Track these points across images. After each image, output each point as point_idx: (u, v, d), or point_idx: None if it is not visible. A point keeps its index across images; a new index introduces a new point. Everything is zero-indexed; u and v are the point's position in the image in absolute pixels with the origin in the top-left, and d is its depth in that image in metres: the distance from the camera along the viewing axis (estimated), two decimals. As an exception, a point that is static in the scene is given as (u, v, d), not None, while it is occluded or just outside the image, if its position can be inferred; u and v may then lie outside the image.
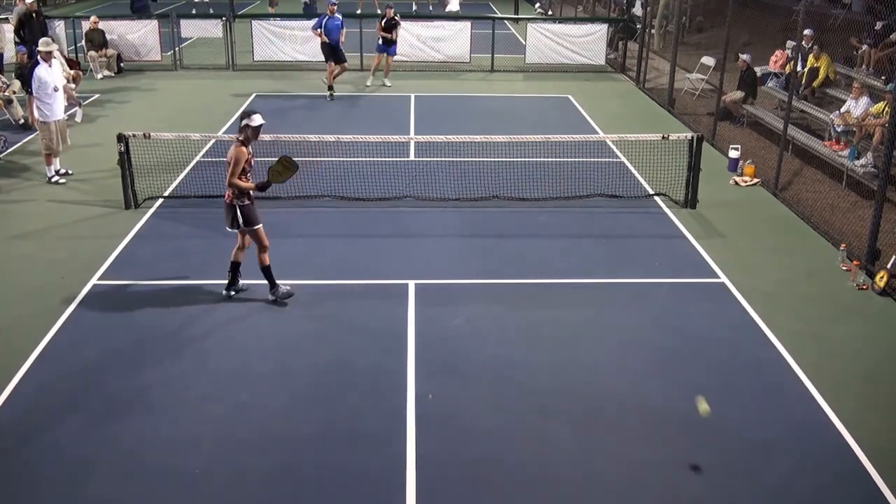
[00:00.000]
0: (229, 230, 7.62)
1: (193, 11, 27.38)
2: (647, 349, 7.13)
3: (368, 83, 17.32)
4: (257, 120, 7.36)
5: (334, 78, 16.38)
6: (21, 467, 5.54)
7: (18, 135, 13.31)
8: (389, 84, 17.31)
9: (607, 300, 7.98)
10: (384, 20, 17.06)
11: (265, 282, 7.76)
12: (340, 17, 16.43)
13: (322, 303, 7.87)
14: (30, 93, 10.70)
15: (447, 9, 23.93)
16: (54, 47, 11.25)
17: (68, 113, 12.28)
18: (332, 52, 16.29)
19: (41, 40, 11.30)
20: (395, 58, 17.63)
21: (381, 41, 17.18)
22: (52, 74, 10.88)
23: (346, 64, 16.51)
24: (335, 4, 16.24)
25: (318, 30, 16.27)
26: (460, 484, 5.46)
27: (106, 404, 6.23)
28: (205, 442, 5.82)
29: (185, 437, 5.87)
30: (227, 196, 7.48)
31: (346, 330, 7.39)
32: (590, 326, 7.49)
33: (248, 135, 7.38)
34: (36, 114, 10.82)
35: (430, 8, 30.75)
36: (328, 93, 16.30)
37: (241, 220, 7.48)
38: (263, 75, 18.58)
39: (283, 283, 7.86)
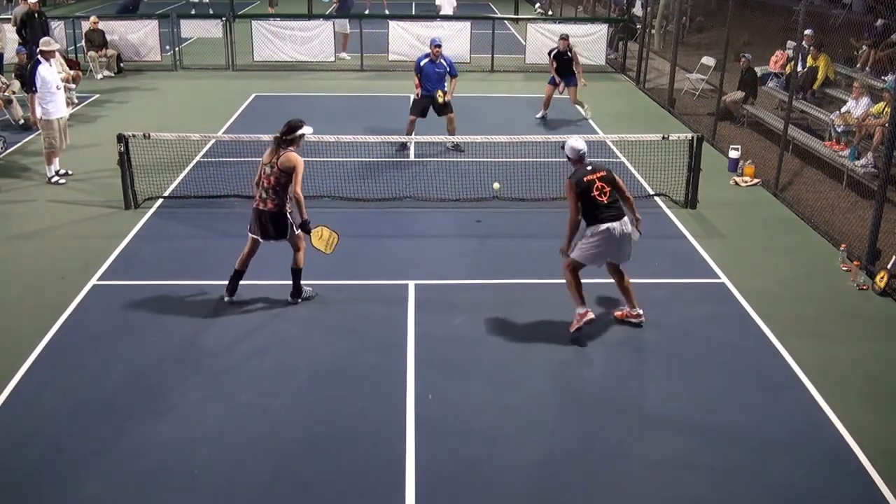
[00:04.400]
0: (270, 241, 7.53)
1: (192, 12, 27.38)
2: (646, 349, 7.12)
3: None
4: (309, 130, 7.50)
5: (452, 129, 12.38)
6: (21, 467, 5.53)
7: (18, 135, 13.32)
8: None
9: (607, 300, 7.97)
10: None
11: (263, 282, 7.75)
12: (446, 64, 12.27)
13: (322, 303, 7.86)
14: (34, 91, 10.71)
15: (441, 12, 23.56)
16: (56, 46, 11.27)
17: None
18: (421, 108, 12.27)
19: (42, 39, 11.32)
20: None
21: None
22: (53, 73, 10.91)
23: (452, 115, 12.32)
24: (439, 46, 12.25)
25: (417, 75, 12.35)
26: (460, 485, 5.45)
27: (106, 404, 6.23)
28: (204, 442, 5.82)
29: (185, 437, 5.87)
30: (271, 205, 7.36)
31: (345, 330, 7.39)
32: (589, 326, 7.48)
33: (299, 143, 7.49)
34: (39, 112, 10.82)
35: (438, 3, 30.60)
36: (405, 141, 12.25)
37: (293, 227, 7.47)
38: (263, 75, 18.59)
39: (284, 283, 7.85)
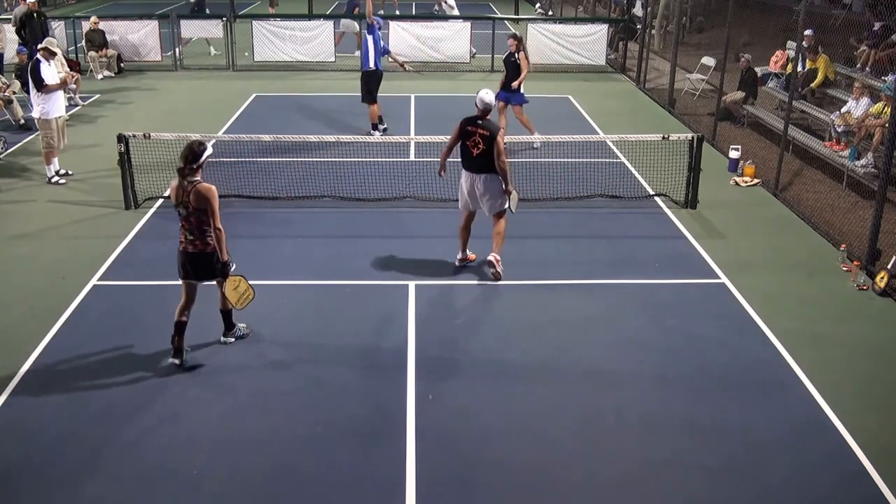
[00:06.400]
0: (205, 282, 6.76)
1: (207, 11, 27.25)
2: (646, 349, 7.12)
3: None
4: (210, 150, 6.57)
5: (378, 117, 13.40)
6: (21, 467, 5.54)
7: (18, 135, 13.32)
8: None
9: (607, 301, 7.97)
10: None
11: (262, 282, 7.75)
12: (370, 27, 13.06)
13: (322, 303, 7.86)
14: (45, 86, 10.74)
15: (450, 12, 23.51)
16: (58, 51, 11.29)
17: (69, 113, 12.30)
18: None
19: (46, 40, 11.33)
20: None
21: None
22: (53, 72, 10.93)
23: (373, 106, 13.28)
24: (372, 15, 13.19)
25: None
26: (460, 484, 5.45)
27: (106, 404, 6.23)
28: (204, 442, 5.82)
29: (185, 436, 5.87)
30: (197, 245, 6.50)
31: (345, 330, 7.38)
32: (590, 327, 7.49)
33: (203, 167, 6.50)
34: (37, 111, 10.83)
35: (436, 9, 30.70)
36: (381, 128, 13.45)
37: (219, 268, 6.61)
38: (263, 75, 18.59)
39: (283, 283, 7.85)
